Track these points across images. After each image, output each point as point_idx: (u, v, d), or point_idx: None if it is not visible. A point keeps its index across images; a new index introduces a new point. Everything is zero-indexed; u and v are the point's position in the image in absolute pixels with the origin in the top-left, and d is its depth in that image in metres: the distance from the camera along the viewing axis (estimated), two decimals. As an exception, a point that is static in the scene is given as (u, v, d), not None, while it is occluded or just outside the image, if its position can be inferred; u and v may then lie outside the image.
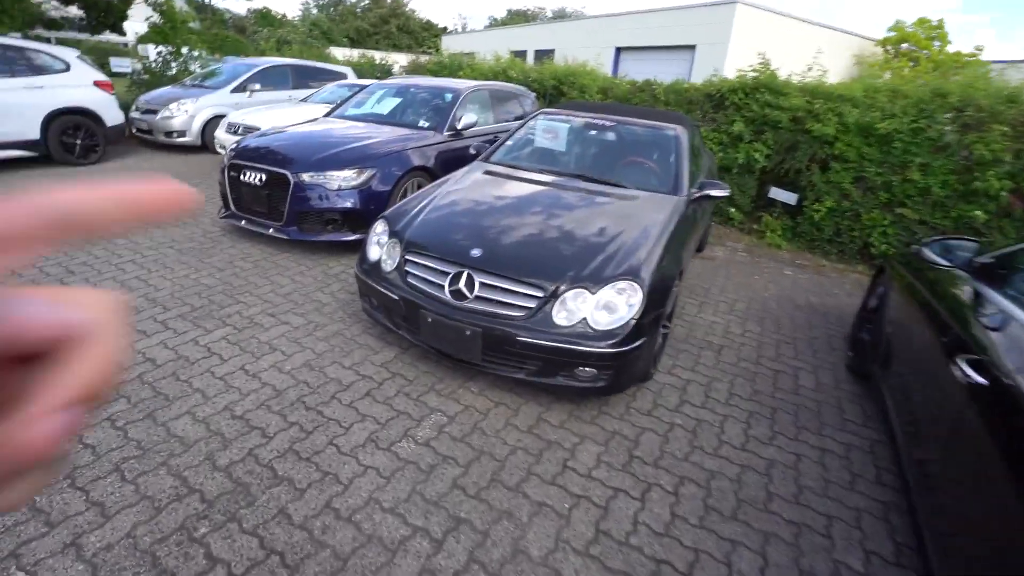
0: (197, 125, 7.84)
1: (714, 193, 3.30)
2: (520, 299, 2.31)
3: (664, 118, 3.92)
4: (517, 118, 5.96)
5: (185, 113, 7.73)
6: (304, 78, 9.27)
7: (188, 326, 2.94)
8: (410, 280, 2.54)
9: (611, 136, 3.80)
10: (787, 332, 3.67)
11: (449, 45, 28.19)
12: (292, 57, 12.52)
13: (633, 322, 2.24)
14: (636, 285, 2.29)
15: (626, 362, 2.27)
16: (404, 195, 4.23)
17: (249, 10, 29.85)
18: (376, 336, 3.02)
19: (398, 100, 5.23)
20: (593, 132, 3.85)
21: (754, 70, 6.27)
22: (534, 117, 4.03)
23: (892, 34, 18.42)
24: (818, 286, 4.67)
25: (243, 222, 4.13)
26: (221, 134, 6.78)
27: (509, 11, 45.56)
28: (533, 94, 7.13)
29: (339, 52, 20.49)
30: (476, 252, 2.44)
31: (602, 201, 3.02)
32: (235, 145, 4.32)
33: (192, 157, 7.62)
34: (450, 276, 2.42)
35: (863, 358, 3.07)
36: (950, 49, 18.29)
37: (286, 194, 3.83)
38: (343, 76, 9.92)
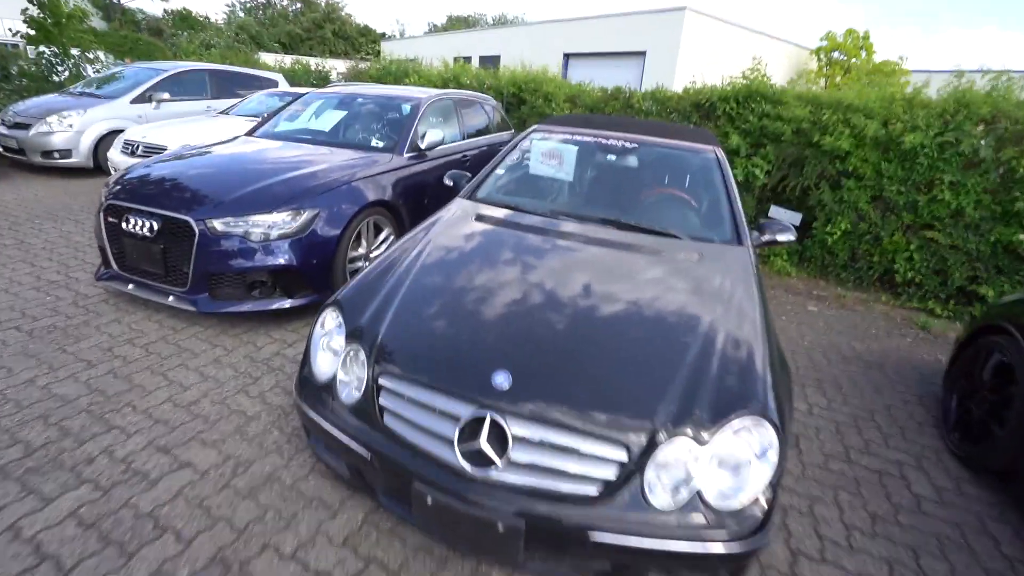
0: (87, 142, 6.38)
1: (781, 238, 2.52)
2: (587, 463, 1.37)
3: (688, 135, 3.13)
4: (480, 131, 5.04)
5: (69, 128, 6.26)
6: (227, 86, 7.93)
7: (9, 495, 1.79)
8: (389, 422, 1.54)
9: (632, 161, 2.94)
10: (855, 402, 2.94)
11: (389, 51, 26.86)
12: (215, 62, 10.98)
13: (770, 490, 1.36)
14: (766, 424, 1.40)
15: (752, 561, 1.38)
16: (357, 240, 3.19)
17: (166, 11, 27.05)
18: (332, 481, 1.98)
19: (342, 113, 4.17)
20: (611, 156, 2.97)
21: (744, 76, 5.68)
22: (527, 136, 3.11)
23: (825, 43, 19.01)
24: (852, 327, 4.03)
25: (130, 286, 2.95)
26: (116, 155, 5.44)
27: (449, 17, 44.49)
28: (496, 102, 6.23)
29: (270, 57, 18.77)
30: (502, 379, 1.46)
31: (655, 261, 2.14)
32: (116, 178, 3.13)
33: (81, 183, 6.15)
34: (461, 424, 1.43)
35: (983, 447, 2.36)
36: (877, 58, 19.08)
37: (190, 248, 2.71)
38: (273, 83, 8.62)
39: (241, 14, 35.05)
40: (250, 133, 4.13)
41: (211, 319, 3.00)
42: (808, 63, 19.91)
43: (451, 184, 3.03)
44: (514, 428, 1.39)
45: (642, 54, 16.62)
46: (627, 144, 2.92)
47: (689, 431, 1.37)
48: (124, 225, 2.82)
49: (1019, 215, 3.99)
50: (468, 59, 21.18)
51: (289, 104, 4.49)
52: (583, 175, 2.90)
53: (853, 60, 18.71)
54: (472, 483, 1.38)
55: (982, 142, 4.09)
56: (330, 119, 4.11)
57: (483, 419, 1.40)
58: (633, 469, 1.34)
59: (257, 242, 2.74)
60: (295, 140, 3.87)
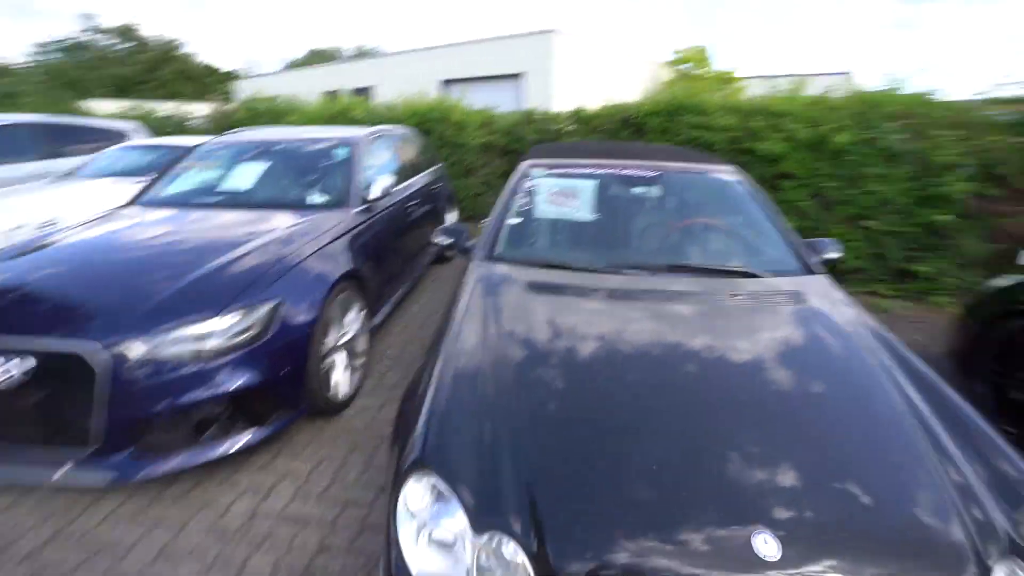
0: None
1: (831, 255, 2.33)
2: None
3: (698, 157, 2.89)
4: (416, 168, 4.46)
5: None
6: (60, 141, 6.37)
7: None
8: None
9: (656, 191, 2.59)
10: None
11: (244, 90, 24.62)
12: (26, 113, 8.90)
13: None
14: None
15: None
16: (325, 329, 2.43)
17: (-59, 59, 22.17)
18: None
19: (261, 166, 3.34)
20: (635, 189, 2.58)
21: (669, 91, 5.76)
22: (525, 175, 2.63)
23: (677, 56, 21.19)
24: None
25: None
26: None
27: (311, 51, 42.28)
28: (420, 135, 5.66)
29: (100, 105, 16.04)
30: (765, 542, 1.00)
31: (761, 308, 1.80)
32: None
33: None
34: None
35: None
36: (717, 68, 21.73)
37: (90, 392, 1.80)
38: (121, 136, 7.12)
39: (54, 55, 29.98)
40: (135, 201, 3.13)
41: (133, 487, 2.06)
42: (662, 75, 21.95)
43: (447, 243, 2.44)
44: None
45: (519, 76, 16.96)
46: (648, 173, 2.57)
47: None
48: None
49: (938, 198, 4.36)
50: (334, 94, 20.09)
51: (180, 160, 3.52)
52: (606, 213, 2.48)
53: (700, 71, 21.00)
54: None
55: (897, 137, 4.43)
56: (246, 174, 3.26)
57: None
58: None
59: (200, 362, 1.91)
60: (205, 206, 2.98)
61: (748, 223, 2.39)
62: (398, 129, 4.66)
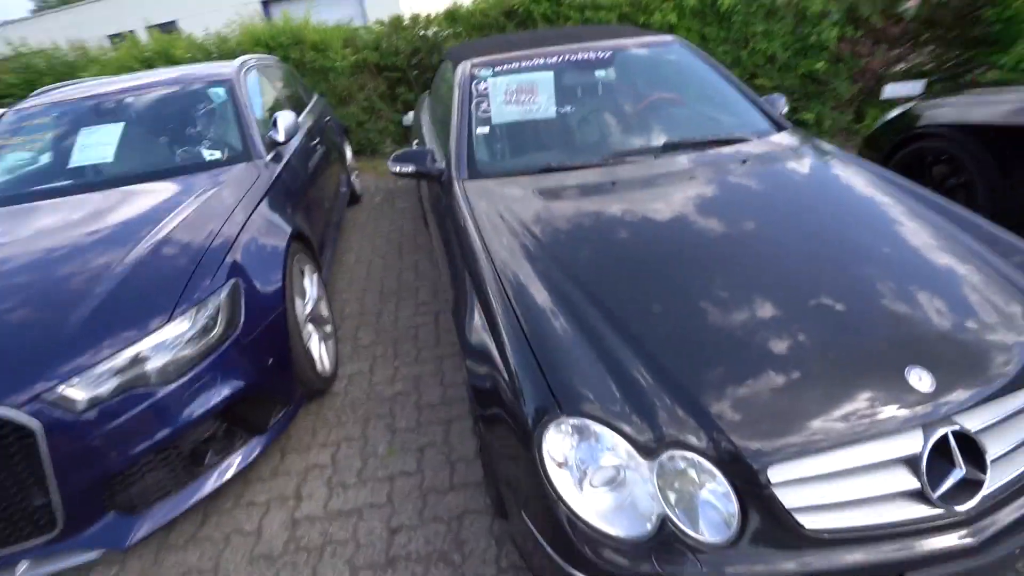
0: None
1: (784, 109, 2.40)
2: None
3: (632, 32, 2.72)
4: (299, 102, 3.81)
5: None
6: None
7: None
8: (815, 524, 0.95)
9: (612, 74, 2.40)
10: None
11: (-7, 45, 19.06)
12: None
13: None
14: None
15: None
16: (294, 303, 2.05)
17: None
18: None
19: (115, 129, 2.55)
20: (593, 73, 2.36)
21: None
22: (467, 76, 2.29)
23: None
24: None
25: None
26: None
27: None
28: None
29: None
30: (919, 377, 1.04)
31: (770, 168, 1.81)
32: None
33: None
34: (921, 459, 0.98)
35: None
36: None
37: (35, 463, 1.35)
38: None
39: None
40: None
41: (127, 552, 1.65)
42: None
43: (409, 170, 2.10)
44: (971, 424, 1.00)
45: (356, -14, 14.94)
46: (600, 55, 2.36)
47: None
48: None
49: (815, 47, 4.69)
50: (119, 36, 16.24)
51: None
52: (573, 104, 2.27)
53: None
54: (972, 525, 0.95)
55: (777, -10, 4.60)
56: (99, 142, 2.48)
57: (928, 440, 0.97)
58: None
59: (164, 384, 1.50)
60: (63, 193, 2.25)
61: (712, 90, 2.34)
62: (264, 58, 3.85)
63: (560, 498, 1.01)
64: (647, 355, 1.12)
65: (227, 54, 6.42)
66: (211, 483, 1.63)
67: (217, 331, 1.62)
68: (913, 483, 0.97)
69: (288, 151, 2.75)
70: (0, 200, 2.28)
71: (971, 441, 0.99)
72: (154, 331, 1.50)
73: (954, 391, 1.03)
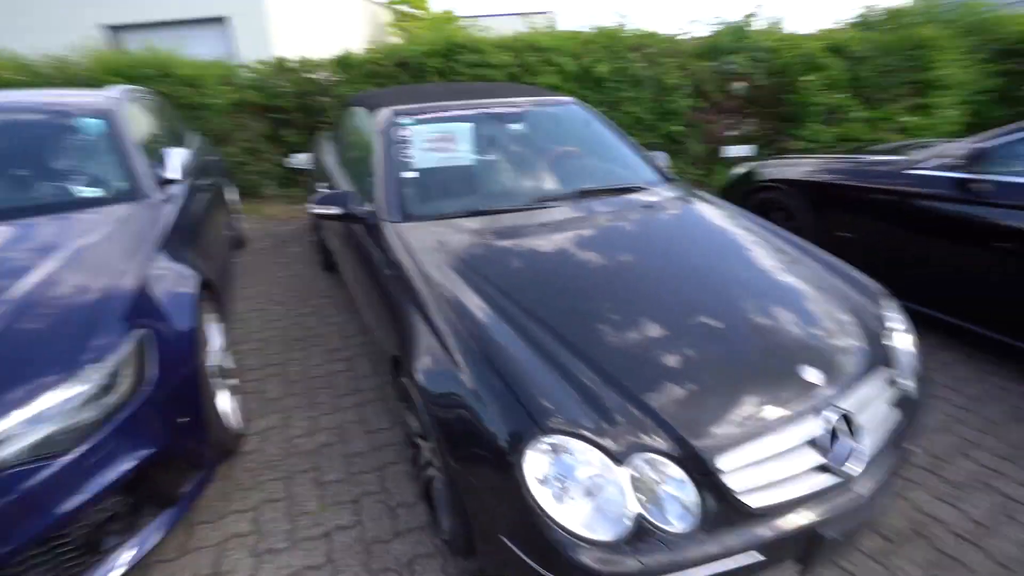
0: None
1: (665, 165, 2.82)
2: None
3: (534, 92, 3.01)
4: (178, 135, 3.54)
5: None
6: None
7: None
8: (754, 500, 1.13)
9: (521, 127, 2.63)
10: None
11: None
12: None
13: None
14: None
15: None
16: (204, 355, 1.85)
17: None
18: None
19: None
20: (506, 126, 2.55)
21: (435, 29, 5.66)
22: (395, 126, 2.34)
23: (396, -1, 20.62)
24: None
25: None
26: None
27: None
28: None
29: None
30: (810, 372, 1.32)
31: (662, 214, 2.12)
32: None
33: None
34: (821, 439, 1.23)
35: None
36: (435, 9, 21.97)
37: None
38: None
39: None
40: None
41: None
42: (380, 16, 21.17)
43: (335, 212, 2.07)
44: (847, 406, 1.29)
45: (222, 20, 14.16)
46: (513, 110, 2.58)
47: None
48: None
49: (672, 113, 5.54)
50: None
51: None
52: (488, 153, 2.44)
53: (419, 12, 20.94)
54: (861, 483, 1.23)
55: (640, 65, 5.38)
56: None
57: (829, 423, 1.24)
58: None
59: (57, 453, 1.28)
60: None
61: (609, 145, 2.67)
62: (138, 90, 3.50)
63: (545, 513, 1.06)
64: (601, 372, 1.25)
65: (69, 80, 5.70)
66: (121, 567, 1.38)
67: (122, 389, 1.42)
68: (819, 459, 1.20)
69: (181, 191, 2.53)
70: None
71: (850, 420, 1.26)
72: (49, 391, 1.27)
73: (835, 382, 1.31)
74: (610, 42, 5.44)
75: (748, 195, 3.63)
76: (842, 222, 3.01)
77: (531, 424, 1.14)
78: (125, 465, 1.38)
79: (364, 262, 2.15)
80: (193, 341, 1.70)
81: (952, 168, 2.53)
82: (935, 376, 2.41)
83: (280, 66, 5.95)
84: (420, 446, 1.70)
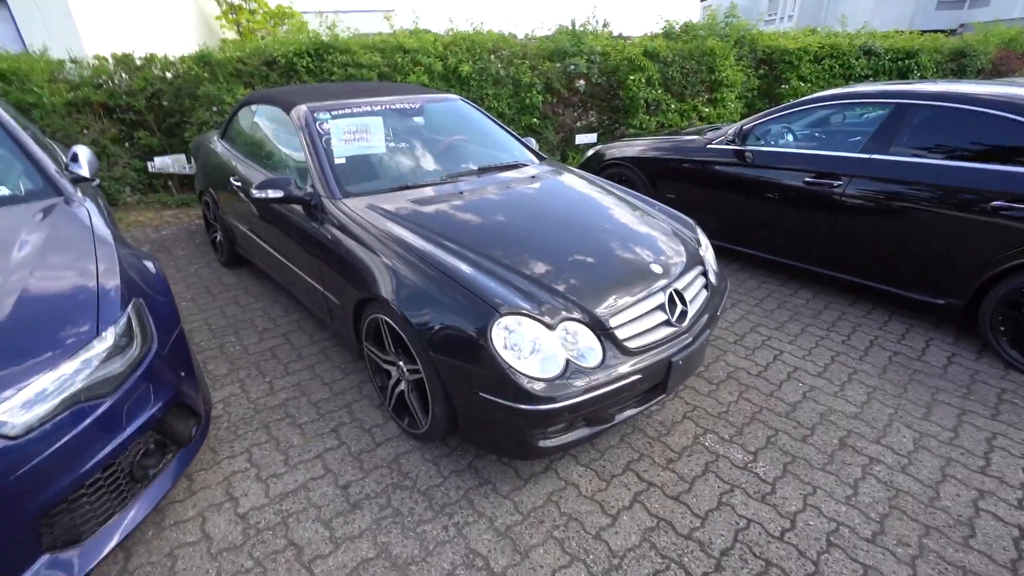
0: None
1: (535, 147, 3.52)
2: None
3: (424, 90, 3.49)
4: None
5: None
6: None
7: None
8: (632, 344, 1.85)
9: (420, 120, 3.10)
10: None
11: None
12: None
13: None
14: None
15: None
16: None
17: None
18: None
19: None
20: (411, 119, 3.00)
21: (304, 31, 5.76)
22: (316, 121, 2.66)
23: (225, -8, 18.86)
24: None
25: None
26: None
27: None
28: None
29: None
30: (656, 265, 2.10)
31: (544, 181, 2.79)
32: None
33: None
34: (665, 303, 2.00)
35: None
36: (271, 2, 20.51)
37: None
38: None
39: None
40: None
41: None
42: (209, 10, 19.27)
43: (277, 196, 2.37)
44: (679, 285, 2.08)
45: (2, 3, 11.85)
46: (413, 105, 3.04)
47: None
48: None
49: (529, 107, 6.36)
50: None
51: None
52: (400, 141, 2.89)
53: (254, 5, 19.44)
54: (689, 331, 2.02)
55: (499, 65, 6.09)
56: None
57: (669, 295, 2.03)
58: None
59: (106, 395, 1.51)
60: None
61: (493, 133, 3.28)
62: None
63: (510, 367, 1.63)
64: (526, 278, 1.86)
65: None
66: (157, 493, 1.63)
67: (137, 344, 1.65)
68: (664, 317, 1.95)
69: (91, 189, 2.55)
70: None
71: (681, 295, 2.04)
72: (85, 347, 1.49)
73: (671, 273, 2.08)
74: (470, 45, 6.06)
75: (598, 171, 4.54)
76: (668, 187, 4.03)
77: (491, 311, 1.70)
78: (153, 407, 1.63)
79: (304, 237, 2.48)
80: (174, 308, 1.94)
81: (731, 143, 3.61)
82: (734, 289, 3.47)
83: (124, 63, 5.53)
84: (390, 371, 2.14)
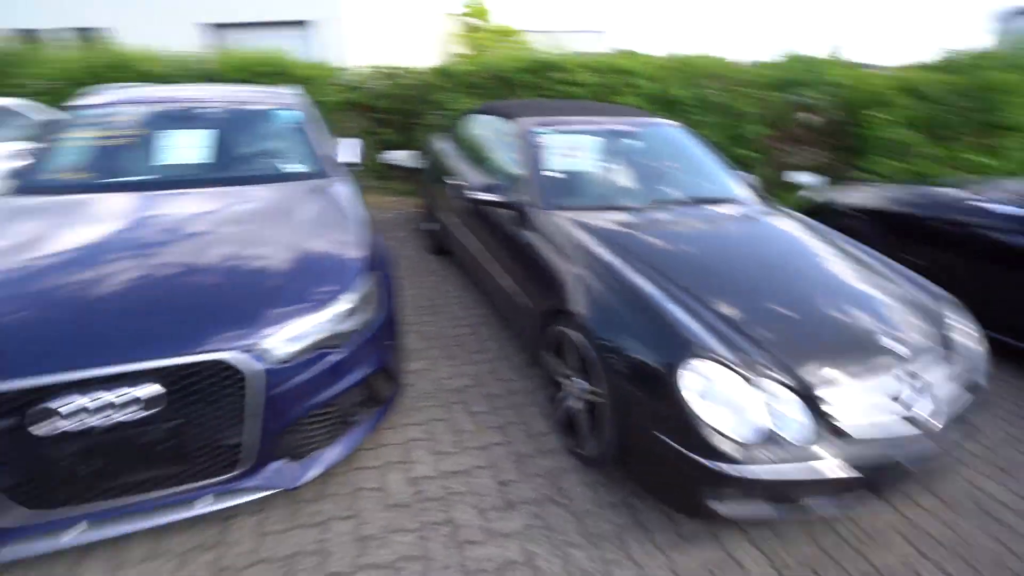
0: None
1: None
2: None
3: (636, 112, 3.49)
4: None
5: None
6: None
7: None
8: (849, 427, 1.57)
9: (638, 143, 3.12)
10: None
11: None
12: None
13: None
14: None
15: None
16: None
17: None
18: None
19: (193, 134, 2.74)
20: (625, 141, 3.06)
21: (528, 48, 6.23)
22: (534, 135, 2.84)
23: (466, 10, 21.56)
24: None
25: (66, 536, 1.51)
26: None
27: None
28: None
29: None
30: (894, 345, 1.75)
31: None
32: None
33: None
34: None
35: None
36: (495, 22, 22.62)
37: (236, 407, 1.59)
38: None
39: None
40: (25, 188, 2.33)
41: (256, 503, 1.83)
42: (450, 27, 22.03)
43: (491, 198, 2.58)
44: (918, 369, 1.72)
45: (304, 24, 15.21)
46: (632, 128, 3.09)
47: None
48: (54, 422, 1.38)
49: (741, 138, 5.92)
50: (31, 32, 14.92)
51: (53, 134, 2.66)
52: (608, 162, 2.94)
53: (480, 23, 21.77)
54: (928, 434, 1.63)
55: (712, 92, 5.80)
56: (181, 147, 2.67)
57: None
58: None
59: (340, 348, 1.80)
60: (169, 186, 2.42)
61: (709, 163, 3.12)
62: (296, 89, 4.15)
63: (695, 414, 1.51)
64: (731, 323, 1.70)
65: (200, 73, 6.51)
66: (359, 437, 1.91)
67: (369, 311, 1.94)
68: (897, 407, 1.62)
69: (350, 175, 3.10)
70: (113, 187, 2.39)
71: (921, 382, 1.67)
72: (333, 304, 1.80)
73: (910, 353, 1.71)
74: (687, 68, 5.87)
75: (828, 222, 3.97)
76: (917, 251, 3.28)
77: (684, 349, 1.59)
78: (370, 365, 1.90)
79: (507, 240, 2.65)
80: (394, 286, 2.23)
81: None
82: (995, 390, 2.73)
83: (380, 72, 6.63)
84: (564, 384, 2.16)
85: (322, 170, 2.81)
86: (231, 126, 2.90)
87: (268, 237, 2.03)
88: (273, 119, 3.05)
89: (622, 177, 2.88)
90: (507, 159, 3.06)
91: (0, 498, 1.43)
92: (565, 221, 2.36)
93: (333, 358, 1.77)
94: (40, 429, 1.37)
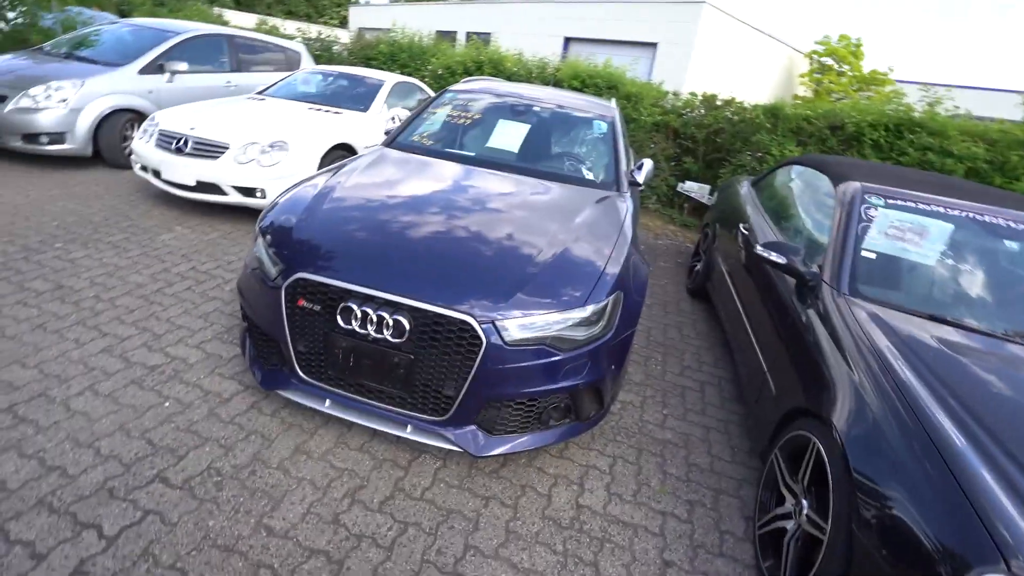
0: (85, 124, 4.91)
1: None
2: None
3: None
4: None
5: (61, 103, 4.76)
6: (245, 57, 6.52)
7: None
8: None
9: (1008, 244, 2.31)
10: None
11: (356, 18, 24.67)
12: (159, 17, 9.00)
13: None
14: None
15: None
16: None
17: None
18: None
19: (521, 128, 3.19)
20: (1001, 242, 2.31)
21: (898, 102, 5.19)
22: (864, 204, 2.35)
23: (820, 48, 19.25)
24: None
25: (326, 403, 1.98)
26: (148, 148, 4.13)
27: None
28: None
29: (232, 16, 16.44)
30: None
31: None
32: (286, 224, 2.11)
33: (83, 176, 4.72)
34: None
35: None
36: (865, 66, 19.36)
37: (466, 364, 1.79)
38: (296, 57, 7.28)
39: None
40: (395, 143, 3.11)
41: (440, 453, 2.08)
42: (797, 66, 20.01)
43: (779, 260, 2.25)
44: None
45: (652, 45, 15.96)
46: (1010, 224, 2.27)
47: None
48: (339, 319, 1.82)
49: None
50: (450, 34, 19.63)
51: (429, 104, 3.47)
52: (960, 261, 2.23)
53: (846, 67, 18.99)
54: None
55: None
56: (509, 135, 3.15)
57: None
58: None
59: (560, 350, 1.85)
60: (488, 165, 2.89)
61: None
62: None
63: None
64: None
65: (542, 78, 7.49)
66: (549, 439, 1.97)
67: (599, 327, 1.94)
68: None
69: (635, 193, 3.13)
70: (445, 155, 3.00)
71: None
72: (571, 309, 1.87)
73: None
74: None
75: None
76: None
77: (990, 554, 1.09)
78: (581, 378, 1.90)
79: (780, 310, 2.28)
80: (637, 313, 2.17)
81: None
82: None
83: (708, 101, 6.47)
84: (785, 498, 1.77)
85: (613, 182, 2.91)
86: (552, 126, 3.26)
87: (545, 229, 2.21)
88: (587, 127, 3.30)
89: (973, 284, 2.14)
90: (814, 221, 2.62)
91: (295, 356, 1.95)
92: (864, 315, 1.88)
93: (552, 357, 1.84)
94: (340, 320, 1.81)
